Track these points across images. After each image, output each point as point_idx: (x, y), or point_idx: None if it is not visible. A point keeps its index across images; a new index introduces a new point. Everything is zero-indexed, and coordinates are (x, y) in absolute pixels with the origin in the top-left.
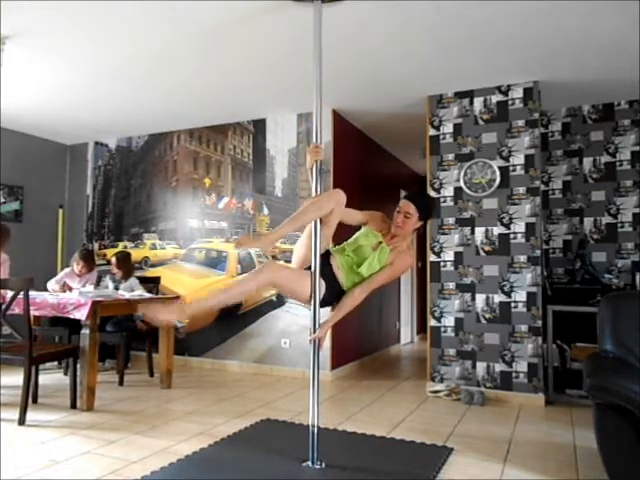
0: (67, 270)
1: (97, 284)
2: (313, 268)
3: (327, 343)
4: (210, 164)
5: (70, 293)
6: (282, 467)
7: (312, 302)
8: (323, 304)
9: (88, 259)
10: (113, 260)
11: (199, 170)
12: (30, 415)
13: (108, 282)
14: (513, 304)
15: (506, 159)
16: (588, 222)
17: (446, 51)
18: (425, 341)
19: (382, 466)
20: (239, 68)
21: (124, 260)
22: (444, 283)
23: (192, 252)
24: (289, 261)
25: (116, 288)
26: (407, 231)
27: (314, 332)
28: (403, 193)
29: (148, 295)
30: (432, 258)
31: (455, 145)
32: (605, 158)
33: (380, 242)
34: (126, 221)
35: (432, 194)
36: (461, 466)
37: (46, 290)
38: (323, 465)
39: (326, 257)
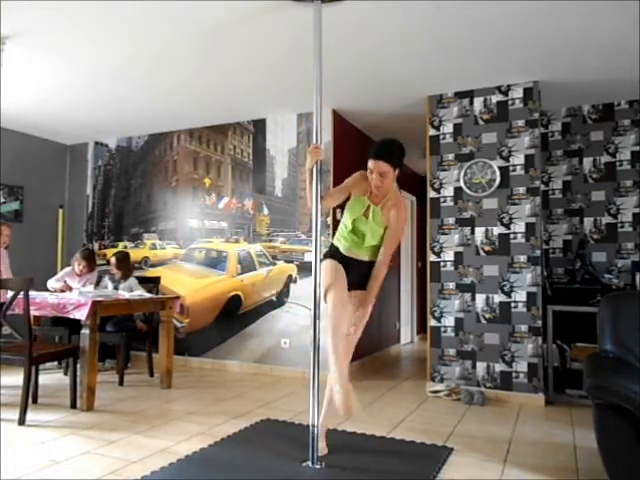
0: (67, 269)
1: (97, 284)
2: (313, 271)
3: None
4: (210, 164)
5: (70, 293)
6: (282, 467)
7: (313, 300)
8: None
9: (90, 259)
10: (112, 260)
11: (199, 170)
12: (30, 415)
13: (107, 282)
14: (513, 304)
15: (506, 159)
16: (588, 222)
17: (446, 51)
18: (425, 341)
19: (382, 466)
20: (239, 68)
21: (123, 260)
22: (444, 283)
23: (192, 252)
24: (289, 261)
25: (115, 288)
26: (388, 187)
27: (314, 332)
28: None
29: (148, 295)
30: (432, 258)
31: (455, 145)
32: (605, 158)
33: (368, 206)
34: (126, 221)
35: (432, 194)
36: (461, 466)
37: (46, 290)
38: (323, 465)
39: (334, 255)
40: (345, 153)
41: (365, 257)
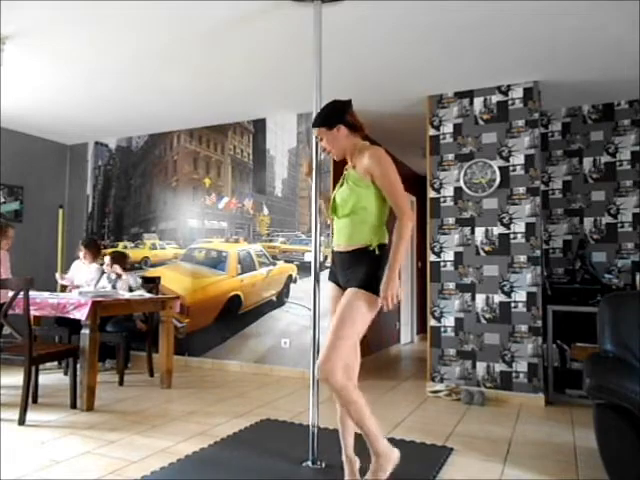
0: (75, 262)
1: (99, 281)
2: (313, 269)
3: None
4: (210, 164)
5: (70, 293)
6: (282, 467)
7: (313, 300)
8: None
9: (90, 246)
10: (107, 260)
11: (199, 170)
12: (30, 415)
13: (105, 282)
14: (513, 304)
15: (506, 159)
16: (588, 222)
17: (446, 51)
18: (425, 341)
19: None
20: (239, 68)
21: (118, 259)
22: (444, 283)
23: (192, 252)
24: (289, 261)
25: (113, 287)
26: (339, 145)
27: (314, 332)
28: None
29: (148, 295)
30: (432, 258)
31: (455, 145)
32: (605, 158)
33: (344, 176)
34: (126, 221)
35: (432, 194)
36: (461, 466)
37: (46, 290)
38: (323, 465)
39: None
40: None
41: (340, 246)
